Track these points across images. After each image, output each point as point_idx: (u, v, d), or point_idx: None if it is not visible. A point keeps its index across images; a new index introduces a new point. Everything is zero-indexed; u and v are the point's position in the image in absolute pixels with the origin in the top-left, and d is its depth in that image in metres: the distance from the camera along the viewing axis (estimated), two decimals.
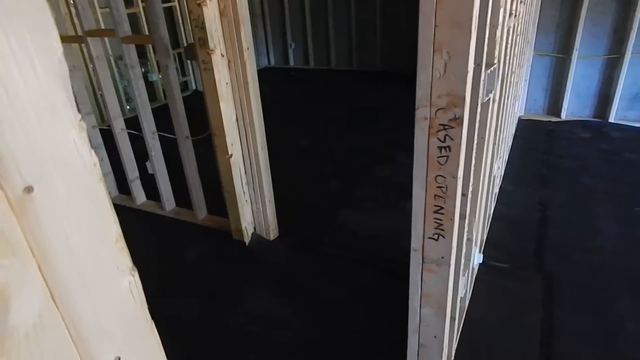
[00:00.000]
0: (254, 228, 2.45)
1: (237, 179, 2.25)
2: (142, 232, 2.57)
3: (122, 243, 0.38)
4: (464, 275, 1.51)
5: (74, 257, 0.37)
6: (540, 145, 3.57)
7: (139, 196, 2.85)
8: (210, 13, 1.95)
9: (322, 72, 6.39)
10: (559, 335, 1.76)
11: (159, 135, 2.63)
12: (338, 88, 5.59)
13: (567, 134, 3.79)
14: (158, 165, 2.65)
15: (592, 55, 3.95)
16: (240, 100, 2.13)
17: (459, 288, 1.43)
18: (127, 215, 2.67)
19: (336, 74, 6.25)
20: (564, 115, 4.15)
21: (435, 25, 0.99)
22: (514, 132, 3.76)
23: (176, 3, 5.14)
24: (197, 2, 1.89)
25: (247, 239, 2.40)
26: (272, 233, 2.43)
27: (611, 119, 3.99)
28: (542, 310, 1.88)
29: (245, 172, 2.29)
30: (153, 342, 0.42)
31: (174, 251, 2.41)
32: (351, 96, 5.22)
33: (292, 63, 6.85)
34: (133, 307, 0.39)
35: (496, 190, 2.75)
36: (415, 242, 1.20)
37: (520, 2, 2.22)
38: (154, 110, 2.61)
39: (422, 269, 1.22)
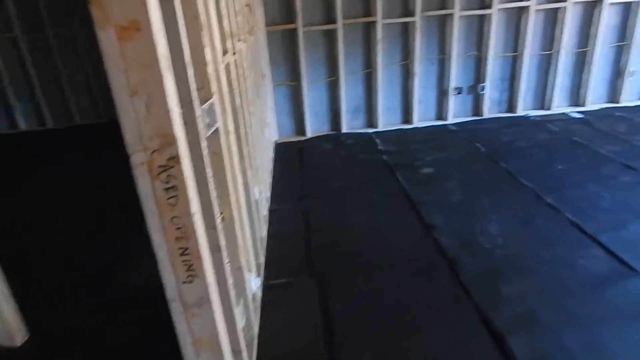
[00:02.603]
0: None
1: None
2: None
3: None
4: (238, 305, 1.51)
5: None
6: (295, 163, 3.98)
7: None
8: None
9: (64, 131, 5.63)
10: (336, 319, 1.99)
11: None
12: (90, 144, 5.01)
13: (314, 148, 4.34)
14: None
15: (317, 79, 4.66)
16: None
17: (236, 320, 1.43)
18: None
19: (83, 129, 5.61)
20: (309, 134, 4.76)
21: (126, 69, 0.96)
22: (272, 156, 4.09)
23: None
24: None
25: None
26: (19, 337, 1.94)
27: (343, 130, 4.79)
28: (319, 304, 2.08)
29: None
30: None
31: None
32: (107, 150, 4.76)
33: (22, 126, 5.81)
34: None
35: (265, 212, 2.91)
36: (171, 291, 1.13)
37: (239, 40, 2.43)
38: None
39: (185, 316, 1.16)
